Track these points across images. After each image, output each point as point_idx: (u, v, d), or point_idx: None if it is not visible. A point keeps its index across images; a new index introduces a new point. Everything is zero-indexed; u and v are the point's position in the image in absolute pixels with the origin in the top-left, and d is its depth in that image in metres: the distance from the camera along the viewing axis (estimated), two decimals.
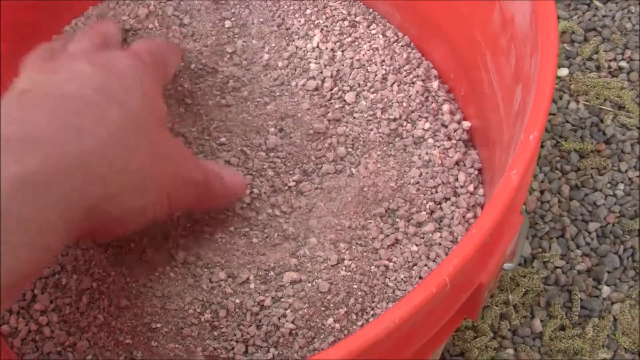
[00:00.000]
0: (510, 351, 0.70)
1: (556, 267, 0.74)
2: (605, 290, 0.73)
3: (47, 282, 0.51)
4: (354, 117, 0.55)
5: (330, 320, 0.46)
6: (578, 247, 0.75)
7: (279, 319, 0.46)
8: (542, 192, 0.78)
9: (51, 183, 0.36)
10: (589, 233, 0.76)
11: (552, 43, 0.38)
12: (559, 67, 0.85)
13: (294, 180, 0.53)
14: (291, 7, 0.60)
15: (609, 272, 0.74)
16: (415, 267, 0.49)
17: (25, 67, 0.46)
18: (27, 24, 0.59)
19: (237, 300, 0.47)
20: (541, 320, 0.71)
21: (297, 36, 0.59)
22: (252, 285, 0.48)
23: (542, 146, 0.80)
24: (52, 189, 0.36)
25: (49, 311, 0.50)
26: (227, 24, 0.60)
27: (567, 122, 0.82)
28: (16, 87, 0.43)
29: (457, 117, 0.56)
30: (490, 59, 0.50)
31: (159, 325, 0.47)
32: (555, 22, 0.39)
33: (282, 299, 0.47)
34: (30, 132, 0.37)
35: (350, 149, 0.54)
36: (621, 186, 0.78)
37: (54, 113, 0.39)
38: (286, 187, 0.53)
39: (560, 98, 0.83)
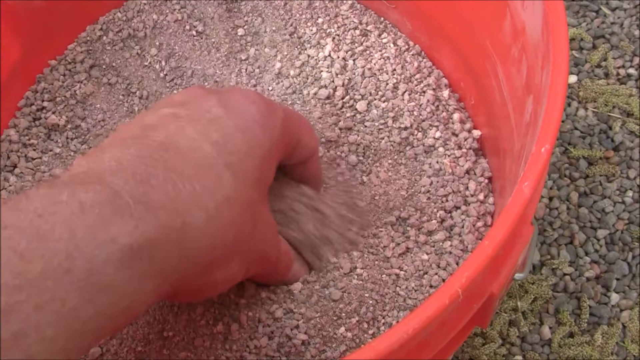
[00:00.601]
0: (519, 358, 0.70)
1: (565, 274, 0.74)
2: (614, 297, 0.73)
3: None
4: (365, 126, 0.56)
5: (342, 329, 0.47)
6: (587, 254, 0.75)
7: (291, 329, 0.46)
8: (550, 199, 0.78)
9: (155, 257, 0.34)
10: (598, 240, 0.76)
11: (563, 56, 0.38)
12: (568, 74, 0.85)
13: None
14: (303, 16, 0.61)
15: (617, 279, 0.74)
16: (425, 276, 0.50)
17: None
18: (42, 27, 0.59)
19: (250, 313, 0.47)
20: (550, 327, 0.71)
21: (309, 45, 0.59)
22: (263, 295, 0.48)
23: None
24: (155, 262, 0.34)
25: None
26: (240, 32, 0.61)
27: (576, 129, 0.82)
28: (137, 116, 0.41)
29: (468, 125, 0.56)
30: (501, 68, 0.50)
31: (170, 334, 0.48)
32: (566, 35, 0.39)
33: (295, 310, 0.47)
34: (144, 195, 0.34)
35: (361, 158, 0.55)
36: (630, 193, 0.78)
37: (170, 172, 0.36)
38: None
39: (569, 105, 0.83)
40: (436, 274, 0.50)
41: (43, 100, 0.59)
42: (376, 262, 0.50)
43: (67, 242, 0.31)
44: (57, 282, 0.30)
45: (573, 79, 0.85)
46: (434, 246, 0.51)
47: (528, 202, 0.35)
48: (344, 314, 0.47)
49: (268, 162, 0.41)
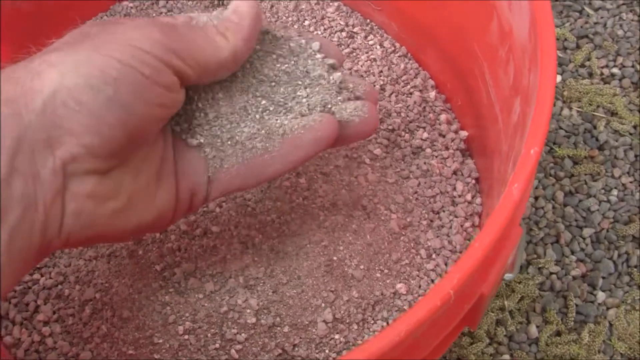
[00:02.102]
0: (507, 357, 0.70)
1: (551, 273, 0.74)
2: (601, 295, 0.73)
3: (50, 292, 0.51)
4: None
5: (337, 335, 0.47)
6: (573, 252, 0.75)
7: (281, 337, 0.47)
8: (536, 198, 0.78)
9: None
10: (584, 239, 0.76)
11: (551, 58, 0.39)
12: None
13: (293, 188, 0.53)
14: (290, 19, 0.61)
15: (603, 277, 0.74)
16: (416, 277, 0.50)
17: None
18: (31, 30, 0.59)
19: (241, 320, 0.47)
20: (537, 326, 0.72)
21: None
22: (252, 302, 0.48)
23: None
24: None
25: (52, 322, 0.50)
26: None
27: (561, 128, 0.82)
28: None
29: (455, 126, 0.57)
30: (488, 70, 0.51)
31: (160, 340, 0.48)
32: (553, 37, 0.39)
33: (283, 313, 0.47)
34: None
35: (348, 160, 0.55)
36: (615, 192, 0.78)
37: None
38: (292, 202, 0.53)
39: (554, 105, 0.84)
40: (425, 274, 0.50)
41: None
42: (365, 261, 0.50)
43: None
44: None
45: (557, 79, 0.86)
46: (423, 246, 0.51)
47: (517, 204, 0.35)
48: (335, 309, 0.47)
49: None
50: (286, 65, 0.44)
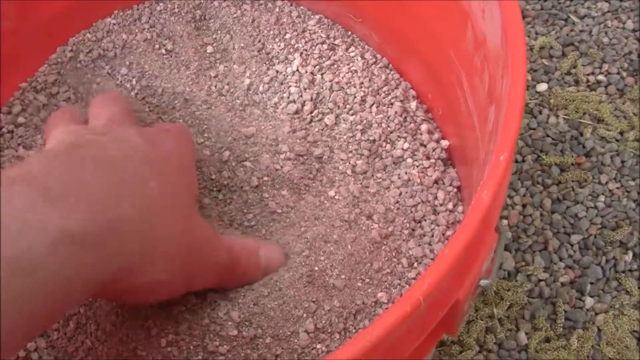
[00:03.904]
0: None
1: (540, 280, 0.75)
2: (589, 301, 0.74)
3: None
4: (335, 139, 0.56)
5: (319, 345, 0.47)
6: (561, 259, 0.76)
7: (264, 348, 0.47)
8: (524, 206, 0.79)
9: (89, 244, 0.36)
10: (572, 245, 0.77)
11: (521, 64, 0.39)
12: (538, 82, 0.87)
13: (276, 203, 0.54)
14: (271, 32, 0.61)
15: (592, 283, 0.75)
16: (397, 286, 0.50)
17: (55, 125, 0.46)
18: (12, 49, 0.60)
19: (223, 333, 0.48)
20: (526, 333, 0.72)
21: (277, 60, 0.60)
22: (234, 314, 0.48)
23: (523, 160, 0.81)
24: (89, 250, 0.36)
25: (36, 337, 0.51)
26: (209, 49, 0.62)
27: (548, 136, 0.83)
28: (60, 139, 0.43)
29: (436, 136, 0.57)
30: (465, 79, 0.51)
31: (144, 353, 0.48)
32: (523, 43, 0.40)
33: (265, 324, 0.48)
34: (75, 190, 0.37)
35: (330, 172, 0.55)
36: (602, 198, 0.79)
37: (99, 174, 0.39)
38: (273, 212, 0.54)
39: (540, 112, 0.85)
40: (407, 283, 0.50)
41: (15, 124, 0.60)
42: (346, 271, 0.50)
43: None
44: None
45: (543, 86, 0.86)
46: (405, 256, 0.52)
47: (487, 210, 0.35)
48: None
49: (192, 175, 0.48)
50: None
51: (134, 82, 0.60)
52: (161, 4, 0.64)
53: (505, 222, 0.77)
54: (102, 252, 0.37)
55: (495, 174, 0.36)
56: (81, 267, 0.36)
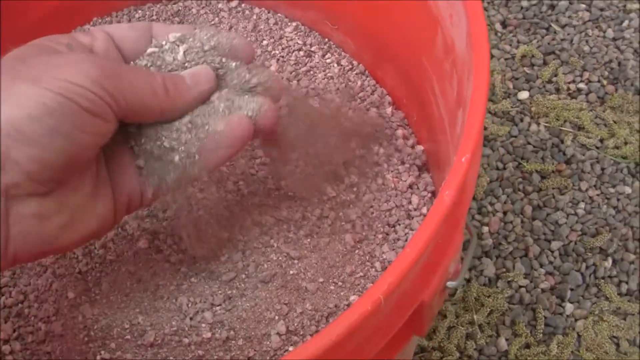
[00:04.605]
0: None
1: (520, 286, 0.75)
2: (569, 307, 0.74)
3: (10, 311, 0.52)
4: (310, 145, 0.56)
5: (291, 347, 0.48)
6: (541, 265, 0.76)
7: (236, 349, 0.47)
8: (505, 213, 0.79)
9: None
10: (552, 252, 0.77)
11: (484, 67, 0.39)
12: (519, 90, 0.87)
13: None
14: (248, 39, 0.62)
15: (572, 289, 0.75)
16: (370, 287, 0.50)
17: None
18: None
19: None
20: (506, 339, 0.72)
21: None
22: (207, 315, 0.49)
23: (504, 168, 0.82)
24: None
25: (12, 340, 0.51)
26: None
27: (529, 143, 0.83)
28: None
29: (411, 141, 0.57)
30: (436, 84, 0.52)
31: (128, 355, 0.48)
32: (486, 48, 0.40)
33: (237, 326, 0.48)
34: None
35: (306, 176, 0.55)
36: (582, 205, 0.79)
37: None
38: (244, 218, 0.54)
39: (522, 120, 0.85)
40: None
41: None
42: (319, 275, 0.50)
43: None
44: None
45: (525, 94, 0.87)
46: (378, 259, 0.52)
47: (449, 210, 0.36)
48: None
49: None
50: None
51: None
52: (139, 11, 0.64)
53: (485, 229, 0.78)
54: None
55: (457, 175, 0.36)
56: None
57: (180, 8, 0.64)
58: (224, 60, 0.45)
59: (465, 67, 0.44)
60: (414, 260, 0.34)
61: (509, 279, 0.75)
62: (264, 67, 0.54)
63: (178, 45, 0.45)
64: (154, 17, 0.64)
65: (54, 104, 0.37)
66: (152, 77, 0.43)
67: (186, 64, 0.45)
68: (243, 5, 0.65)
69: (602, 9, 0.93)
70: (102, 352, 0.49)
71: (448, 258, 0.40)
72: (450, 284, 0.42)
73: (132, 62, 0.45)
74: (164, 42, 0.45)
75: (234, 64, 0.45)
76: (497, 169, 0.82)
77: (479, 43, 0.41)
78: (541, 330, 0.72)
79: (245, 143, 0.45)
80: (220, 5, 0.66)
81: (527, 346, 0.72)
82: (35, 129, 0.37)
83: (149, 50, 0.45)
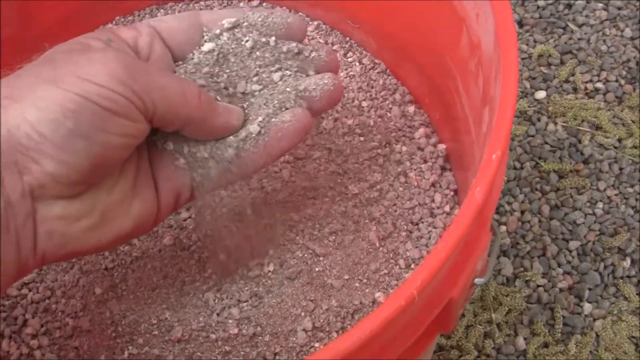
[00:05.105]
0: None
1: (538, 286, 0.75)
2: (587, 307, 0.74)
3: (37, 306, 0.52)
4: (333, 143, 0.57)
5: (317, 343, 0.48)
6: (559, 265, 0.76)
7: (263, 346, 0.48)
8: (522, 212, 0.79)
9: None
10: (570, 251, 0.77)
11: (513, 65, 0.40)
12: (536, 90, 0.87)
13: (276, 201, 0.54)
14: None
15: (590, 289, 0.75)
16: (395, 286, 0.51)
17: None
18: (10, 58, 0.60)
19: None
20: (524, 338, 0.72)
21: None
22: (234, 312, 0.49)
23: (521, 167, 0.82)
24: None
25: (39, 335, 0.51)
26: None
27: (546, 143, 0.84)
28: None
29: (433, 140, 0.58)
30: (460, 83, 0.52)
31: (155, 350, 0.49)
32: (515, 46, 0.41)
33: (264, 322, 0.49)
34: None
35: (330, 174, 0.56)
36: (600, 205, 0.79)
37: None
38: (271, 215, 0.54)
39: (539, 120, 0.85)
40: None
41: None
42: (344, 272, 0.51)
43: None
44: None
45: (542, 94, 0.87)
46: (402, 257, 0.52)
47: (480, 208, 0.36)
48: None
49: None
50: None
51: None
52: (162, 11, 0.65)
53: (503, 228, 0.78)
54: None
55: (488, 172, 0.37)
56: None
57: (202, 7, 0.65)
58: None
59: (493, 65, 0.44)
60: (446, 257, 0.35)
61: (527, 279, 0.75)
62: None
63: (238, 34, 0.46)
64: None
65: (72, 105, 0.37)
66: (186, 83, 0.42)
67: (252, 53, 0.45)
68: (264, 4, 0.66)
69: (619, 8, 0.93)
70: (130, 347, 0.49)
71: (476, 255, 0.41)
72: (477, 280, 0.43)
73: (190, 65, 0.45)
74: (217, 32, 0.45)
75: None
76: (515, 168, 0.82)
77: (507, 41, 0.41)
78: (559, 330, 0.72)
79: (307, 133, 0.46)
80: (241, 5, 0.66)
81: (546, 345, 0.72)
82: (55, 131, 0.37)
83: (207, 47, 0.45)
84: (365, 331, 0.33)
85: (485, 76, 0.46)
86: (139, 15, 0.65)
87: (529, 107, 0.86)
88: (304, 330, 0.48)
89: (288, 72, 0.46)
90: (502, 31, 0.41)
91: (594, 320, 0.74)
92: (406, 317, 0.36)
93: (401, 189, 0.55)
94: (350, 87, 0.59)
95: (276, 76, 0.46)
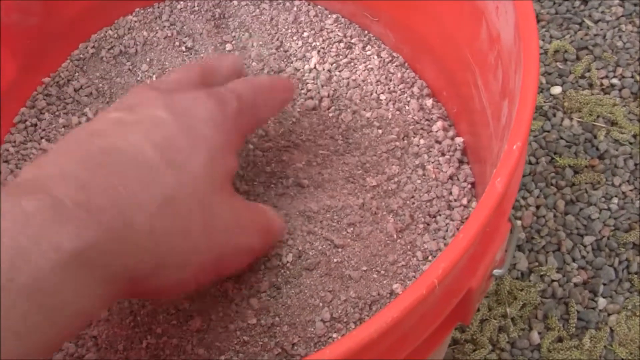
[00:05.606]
0: None
1: (553, 281, 0.75)
2: (602, 302, 0.74)
3: None
4: (351, 135, 0.57)
5: (335, 334, 0.48)
6: (574, 260, 0.76)
7: (281, 336, 0.48)
8: (537, 207, 0.79)
9: (99, 262, 0.36)
10: (585, 246, 0.77)
11: (534, 57, 0.40)
12: (552, 85, 0.87)
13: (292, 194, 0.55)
14: (289, 31, 0.62)
15: (604, 284, 0.75)
16: (412, 278, 0.51)
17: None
18: (36, 46, 0.61)
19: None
20: (539, 333, 0.73)
21: (295, 58, 0.61)
22: (253, 302, 0.50)
23: (537, 162, 0.82)
24: (101, 264, 0.36)
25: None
26: (228, 47, 0.63)
27: (562, 138, 0.84)
28: (97, 117, 0.42)
29: (451, 133, 0.58)
30: (479, 76, 0.52)
31: (174, 340, 0.49)
32: (536, 38, 0.41)
33: (282, 313, 0.49)
34: (85, 201, 0.36)
35: (348, 165, 0.56)
36: (615, 200, 0.80)
37: (111, 177, 0.37)
38: (289, 205, 0.55)
39: (554, 115, 0.85)
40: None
41: (38, 117, 0.61)
42: (362, 263, 0.51)
43: (11, 252, 0.33)
44: (4, 290, 0.32)
45: (558, 90, 0.87)
46: (420, 249, 0.52)
47: (501, 197, 0.36)
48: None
49: (222, 152, 0.43)
50: None
51: (154, 79, 0.62)
52: (181, 3, 0.65)
53: (518, 222, 0.78)
54: (114, 265, 0.36)
55: (509, 162, 0.37)
56: (95, 284, 0.36)
57: (221, 0, 0.65)
58: None
59: (512, 58, 0.44)
60: (467, 246, 0.35)
61: (542, 273, 0.75)
62: None
63: None
64: (195, 8, 0.65)
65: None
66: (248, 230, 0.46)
67: None
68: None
69: (635, 4, 0.93)
70: (149, 337, 0.50)
71: (495, 246, 0.41)
72: (496, 271, 0.43)
73: None
74: None
75: None
76: (530, 163, 0.82)
77: (527, 34, 0.41)
78: (574, 325, 0.73)
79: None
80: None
81: (560, 340, 0.73)
82: None
83: None
84: (387, 319, 0.33)
85: (504, 69, 0.46)
86: (158, 7, 0.65)
87: (544, 102, 0.86)
88: (322, 320, 0.49)
89: None
90: (523, 23, 0.41)
91: (609, 315, 0.74)
92: (426, 306, 0.37)
93: (419, 181, 0.55)
94: (369, 80, 0.60)
95: None
